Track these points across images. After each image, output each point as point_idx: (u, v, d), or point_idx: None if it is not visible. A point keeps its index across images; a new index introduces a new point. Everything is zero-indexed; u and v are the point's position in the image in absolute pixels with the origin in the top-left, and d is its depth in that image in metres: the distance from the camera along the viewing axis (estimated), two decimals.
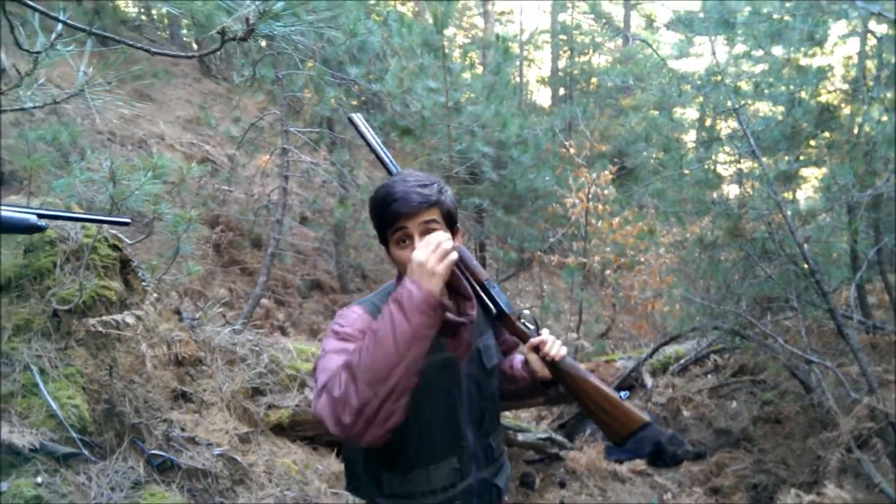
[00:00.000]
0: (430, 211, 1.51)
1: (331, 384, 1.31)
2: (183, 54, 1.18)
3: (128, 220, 1.92)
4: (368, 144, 1.69)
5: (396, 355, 1.30)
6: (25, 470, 2.17)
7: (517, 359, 1.83)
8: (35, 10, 1.07)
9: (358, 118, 1.69)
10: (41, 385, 2.32)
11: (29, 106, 0.97)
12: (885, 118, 3.99)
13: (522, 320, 1.67)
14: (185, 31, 13.58)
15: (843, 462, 3.74)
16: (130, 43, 1.00)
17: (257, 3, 0.90)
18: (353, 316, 1.53)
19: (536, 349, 1.66)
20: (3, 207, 1.74)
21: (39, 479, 2.18)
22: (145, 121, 8.71)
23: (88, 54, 1.03)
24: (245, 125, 6.63)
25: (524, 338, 1.67)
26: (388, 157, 1.68)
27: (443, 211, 1.53)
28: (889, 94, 4.08)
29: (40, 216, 1.81)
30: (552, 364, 1.64)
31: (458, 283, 1.65)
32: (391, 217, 1.50)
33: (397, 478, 1.59)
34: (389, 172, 1.64)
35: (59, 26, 1.13)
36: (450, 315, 1.57)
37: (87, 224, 2.65)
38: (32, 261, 2.52)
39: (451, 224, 1.57)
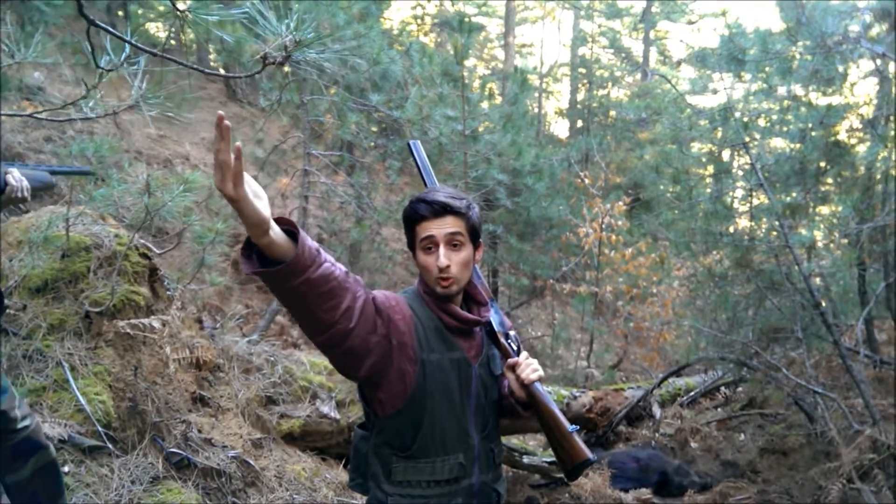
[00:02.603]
0: (456, 223, 1.65)
1: None
2: (230, 75, 1.32)
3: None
4: (421, 173, 1.85)
5: None
6: None
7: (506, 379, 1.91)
8: (111, 33, 1.23)
9: (416, 145, 1.86)
10: (71, 381, 2.47)
11: (93, 115, 1.12)
12: (883, 154, 4.09)
13: (509, 340, 1.78)
14: (213, 56, 14.03)
15: (844, 492, 3.77)
16: (186, 64, 1.15)
17: (293, 34, 1.06)
18: (394, 296, 1.67)
19: (512, 369, 1.73)
20: (25, 166, 1.90)
21: (66, 469, 2.31)
22: (171, 141, 9.00)
23: (142, 73, 1.19)
24: (268, 148, 6.86)
25: (507, 356, 1.76)
26: (433, 182, 1.85)
27: (468, 225, 1.67)
28: (892, 133, 4.19)
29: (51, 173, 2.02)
30: (524, 386, 1.71)
31: (473, 290, 1.78)
32: (419, 219, 1.66)
33: (406, 464, 1.67)
34: None
35: (127, 47, 1.30)
36: (465, 313, 1.70)
37: (119, 231, 2.81)
38: (68, 265, 2.69)
39: (474, 239, 1.71)
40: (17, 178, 1.82)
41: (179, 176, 2.73)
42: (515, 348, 1.77)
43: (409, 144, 1.88)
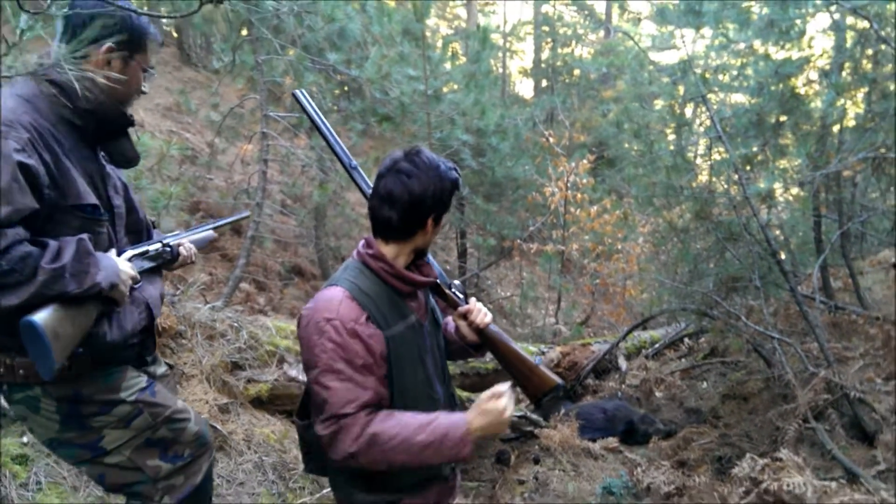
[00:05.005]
0: None
1: (346, 432, 1.52)
2: (164, 15, 1.26)
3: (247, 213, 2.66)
4: (316, 123, 1.80)
5: (416, 461, 1.54)
6: (12, 430, 2.26)
7: (450, 323, 1.95)
8: None
9: (302, 94, 1.82)
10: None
11: (13, 73, 1.05)
12: (839, 102, 4.16)
13: (453, 290, 1.82)
14: (165, 22, 13.50)
15: (801, 432, 3.92)
16: (116, 4, 1.07)
17: None
18: (338, 308, 1.57)
19: (464, 317, 1.80)
20: (193, 231, 2.19)
21: (25, 439, 2.27)
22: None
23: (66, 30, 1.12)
24: (225, 112, 6.68)
25: (455, 306, 1.81)
26: (331, 132, 1.81)
27: None
28: (847, 81, 4.25)
29: (214, 229, 2.31)
30: (478, 330, 1.79)
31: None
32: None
33: None
34: (333, 150, 1.80)
35: None
36: (419, 277, 1.71)
37: None
38: None
39: None
40: (187, 248, 2.07)
41: None
42: (462, 296, 1.82)
43: (294, 94, 1.87)
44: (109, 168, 1.80)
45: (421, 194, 1.60)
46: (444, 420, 1.55)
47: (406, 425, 1.52)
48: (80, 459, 1.81)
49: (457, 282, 1.86)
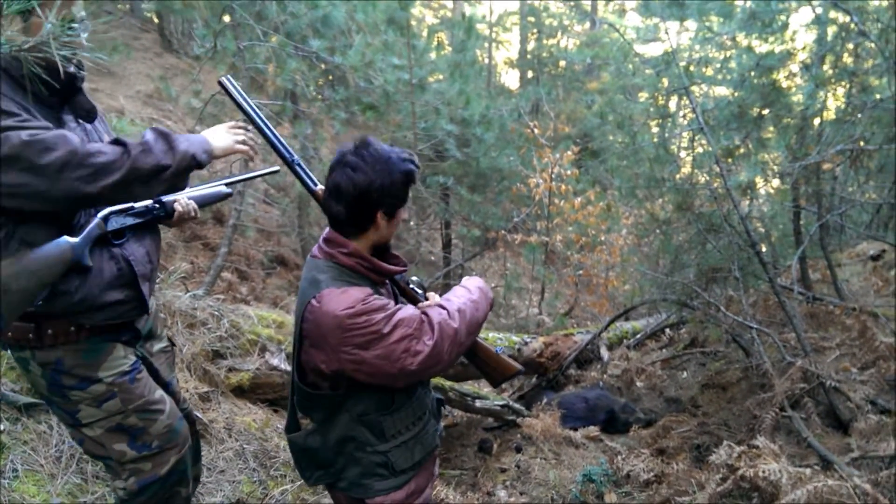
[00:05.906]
0: None
1: (443, 322, 1.63)
2: None
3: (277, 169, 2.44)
4: (245, 110, 1.78)
5: (484, 315, 1.77)
6: None
7: None
8: None
9: (229, 81, 1.79)
10: None
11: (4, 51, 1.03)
12: (820, 95, 4.20)
13: (412, 286, 1.88)
14: (144, 6, 13.29)
15: (777, 420, 3.98)
16: None
17: None
18: (348, 295, 1.59)
19: None
20: (200, 187, 2.12)
21: (1, 427, 2.25)
22: (105, 95, 8.56)
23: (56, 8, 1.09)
24: (206, 99, 6.60)
25: (414, 301, 1.85)
26: (266, 125, 1.80)
27: None
28: (827, 74, 4.30)
29: (227, 184, 2.24)
30: None
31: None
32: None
33: (394, 418, 1.74)
34: (270, 143, 1.79)
35: None
36: (391, 266, 1.72)
37: None
38: None
39: None
40: (184, 203, 2.02)
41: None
42: (421, 292, 1.89)
43: (220, 82, 1.84)
44: (80, 128, 1.80)
45: (366, 188, 1.58)
46: (468, 282, 1.85)
47: (457, 295, 1.75)
48: (65, 422, 1.91)
49: (415, 278, 1.92)
